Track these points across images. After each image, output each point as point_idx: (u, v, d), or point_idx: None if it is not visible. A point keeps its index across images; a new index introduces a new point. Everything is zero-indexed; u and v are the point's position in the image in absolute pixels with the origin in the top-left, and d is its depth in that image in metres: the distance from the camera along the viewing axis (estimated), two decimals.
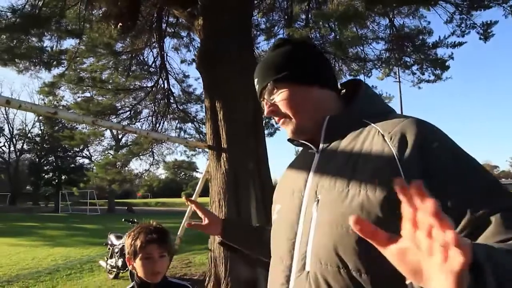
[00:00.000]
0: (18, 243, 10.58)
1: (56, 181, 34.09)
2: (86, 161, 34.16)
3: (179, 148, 13.24)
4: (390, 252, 0.48)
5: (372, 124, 0.81)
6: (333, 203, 0.75)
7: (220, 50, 4.48)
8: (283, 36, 8.02)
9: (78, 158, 34.91)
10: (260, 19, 8.02)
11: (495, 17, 6.31)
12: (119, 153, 12.85)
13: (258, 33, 8.15)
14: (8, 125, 37.49)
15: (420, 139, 0.71)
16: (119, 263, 5.83)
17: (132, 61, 8.79)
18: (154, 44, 8.37)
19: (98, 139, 13.23)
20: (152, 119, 9.33)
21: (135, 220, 5.82)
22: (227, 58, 4.43)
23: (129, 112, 9.54)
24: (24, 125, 40.34)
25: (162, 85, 8.88)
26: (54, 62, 7.64)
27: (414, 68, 7.59)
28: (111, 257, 6.16)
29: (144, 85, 9.32)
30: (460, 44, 6.59)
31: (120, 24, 6.00)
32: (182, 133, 10.32)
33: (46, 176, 35.83)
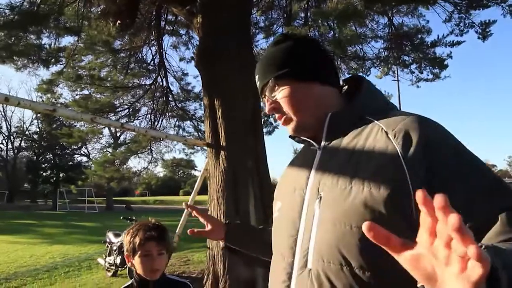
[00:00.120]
0: (16, 241, 10.57)
1: (54, 179, 34.05)
2: (84, 159, 34.17)
3: (178, 146, 13.22)
4: (404, 258, 0.48)
5: (375, 121, 0.81)
6: (335, 201, 0.75)
7: (219, 48, 4.48)
8: None
9: (76, 156, 34.91)
10: (259, 17, 8.00)
11: (494, 17, 6.33)
12: (117, 151, 12.83)
13: (257, 31, 8.14)
14: (5, 123, 37.39)
15: (424, 137, 0.71)
16: (118, 260, 5.84)
17: (131, 59, 8.76)
18: (152, 42, 8.35)
19: (96, 137, 13.21)
20: (150, 117, 9.32)
21: (134, 218, 5.83)
22: (226, 56, 4.43)
23: (127, 110, 9.52)
24: (22, 123, 40.17)
25: (161, 83, 8.87)
26: (53, 60, 7.62)
27: (413, 67, 7.60)
28: (109, 255, 6.17)
29: (143, 83, 9.31)
30: (459, 43, 6.61)
31: (118, 21, 5.98)
32: (180, 131, 10.32)
33: (44, 173, 35.79)
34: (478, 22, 6.32)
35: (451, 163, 0.69)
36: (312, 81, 0.89)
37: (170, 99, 9.24)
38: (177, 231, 4.61)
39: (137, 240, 1.47)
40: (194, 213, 1.23)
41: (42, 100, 13.15)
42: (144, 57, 8.96)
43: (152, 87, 8.98)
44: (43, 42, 7.21)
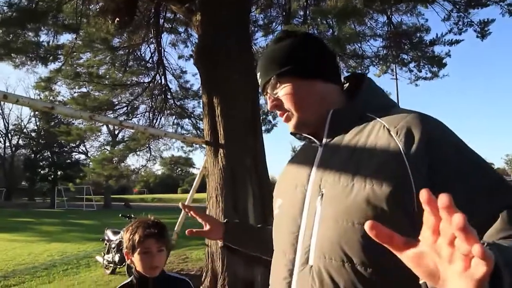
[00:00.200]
0: (14, 239, 10.56)
1: (52, 176, 33.97)
2: (82, 156, 34.08)
3: (176, 144, 13.20)
4: (406, 256, 0.49)
5: (377, 118, 0.81)
6: (337, 198, 0.75)
7: (218, 46, 4.47)
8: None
9: (74, 153, 34.82)
10: (258, 15, 7.99)
11: (492, 15, 6.34)
12: (115, 148, 12.81)
13: (256, 29, 8.13)
14: (3, 120, 37.37)
15: (426, 134, 0.71)
16: (116, 258, 5.84)
17: (129, 57, 8.74)
18: (151, 40, 8.33)
19: (94, 135, 13.18)
20: (149, 114, 9.31)
21: (132, 216, 5.83)
22: (225, 54, 4.42)
23: (126, 108, 9.50)
24: (20, 121, 40.09)
25: (159, 81, 8.85)
26: (51, 57, 7.60)
27: (411, 65, 7.61)
28: (108, 253, 6.17)
29: (141, 81, 9.28)
30: (457, 41, 6.62)
31: (117, 19, 5.97)
32: (179, 129, 10.30)
33: (41, 171, 35.70)
34: (476, 21, 6.33)
35: (453, 161, 0.69)
36: (314, 78, 0.89)
37: (168, 97, 9.22)
38: (175, 228, 4.62)
39: (137, 237, 1.47)
40: (191, 213, 1.21)
41: (40, 98, 13.10)
42: (143, 54, 8.95)
43: (150, 85, 8.96)
44: (41, 40, 7.19)
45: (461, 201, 0.63)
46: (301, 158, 0.96)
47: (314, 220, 0.78)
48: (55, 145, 32.18)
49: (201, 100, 7.39)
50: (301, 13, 7.39)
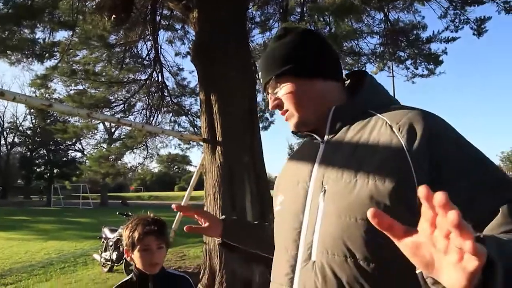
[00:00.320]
0: (11, 237, 10.52)
1: (48, 174, 33.83)
2: (78, 154, 33.96)
3: (173, 141, 13.20)
4: (404, 244, 0.50)
5: (378, 115, 0.81)
6: (340, 193, 0.75)
7: (215, 43, 4.46)
8: (278, 30, 7.99)
9: (70, 151, 34.69)
10: (255, 12, 7.97)
11: (489, 13, 6.35)
12: (112, 146, 12.77)
13: (253, 26, 8.11)
14: None
15: (428, 131, 0.72)
16: (114, 256, 5.84)
17: (126, 54, 8.70)
18: (148, 37, 8.29)
19: (91, 133, 13.12)
20: (146, 112, 9.28)
21: (130, 214, 5.83)
22: (222, 51, 4.42)
23: (122, 105, 9.46)
24: (15, 118, 39.86)
25: (156, 78, 8.82)
26: (47, 54, 7.54)
27: (408, 62, 7.64)
28: (105, 251, 6.16)
29: (138, 78, 9.25)
30: (454, 39, 6.64)
31: (113, 16, 5.94)
32: (176, 126, 10.28)
33: (37, 169, 35.54)
34: (473, 19, 6.36)
35: (454, 157, 0.70)
36: (313, 77, 0.89)
37: (165, 94, 9.20)
38: (173, 226, 4.62)
39: (136, 234, 1.46)
40: (188, 214, 1.17)
41: (36, 96, 13.01)
42: (140, 52, 8.90)
43: (147, 82, 8.92)
44: (37, 37, 7.14)
45: (463, 198, 0.64)
46: (302, 154, 0.96)
47: (316, 216, 0.78)
48: (51, 143, 32.02)
49: (198, 98, 7.37)
50: (298, 10, 7.38)
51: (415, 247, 0.49)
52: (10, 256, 7.74)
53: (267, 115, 9.48)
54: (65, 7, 6.42)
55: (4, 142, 37.12)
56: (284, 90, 0.90)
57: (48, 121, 29.14)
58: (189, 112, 10.06)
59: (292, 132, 0.95)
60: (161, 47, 8.59)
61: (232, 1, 4.64)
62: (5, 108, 37.14)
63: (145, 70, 9.06)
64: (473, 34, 6.45)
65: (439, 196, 0.43)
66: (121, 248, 5.80)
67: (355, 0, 5.27)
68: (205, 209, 4.46)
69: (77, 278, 5.77)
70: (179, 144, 12.63)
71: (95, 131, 14.50)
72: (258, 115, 6.31)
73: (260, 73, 0.97)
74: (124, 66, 8.76)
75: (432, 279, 0.50)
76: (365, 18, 6.93)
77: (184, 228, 1.14)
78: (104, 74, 8.97)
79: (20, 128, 36.18)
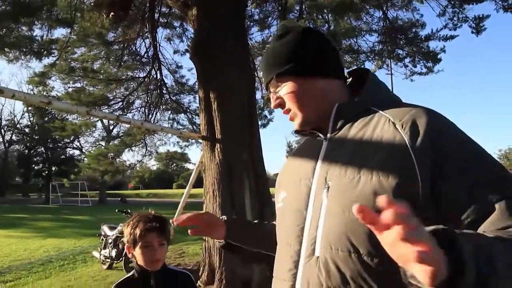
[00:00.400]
0: (9, 235, 10.51)
1: (46, 172, 33.80)
2: (77, 152, 33.92)
3: (172, 139, 13.21)
4: (384, 240, 0.52)
5: (381, 112, 0.82)
6: (344, 190, 0.76)
7: (214, 41, 4.47)
8: (277, 27, 8.01)
9: (68, 149, 34.65)
10: (254, 10, 7.97)
11: (487, 11, 6.38)
12: (111, 144, 12.77)
13: (252, 24, 8.11)
14: None
15: (431, 128, 0.72)
16: (113, 253, 5.86)
17: (124, 51, 8.69)
18: (146, 34, 8.28)
19: (89, 130, 13.12)
20: (144, 110, 9.28)
21: (129, 211, 5.84)
22: (221, 48, 4.42)
23: (121, 103, 9.45)
24: (13, 116, 39.67)
25: (155, 76, 8.81)
26: (45, 52, 7.53)
27: (407, 60, 7.66)
28: (104, 248, 6.17)
29: (137, 76, 9.24)
30: (452, 37, 6.67)
31: (112, 13, 5.92)
32: (175, 124, 10.30)
33: (36, 167, 35.50)
34: (472, 17, 6.38)
35: (456, 155, 0.71)
36: (314, 76, 0.90)
37: (164, 92, 9.20)
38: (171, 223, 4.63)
39: (138, 231, 1.47)
40: (191, 223, 1.10)
41: (34, 93, 12.99)
42: (138, 49, 8.89)
43: (146, 79, 8.92)
44: (34, 34, 7.12)
45: (464, 194, 0.66)
46: (304, 152, 0.97)
47: (320, 212, 0.79)
48: (49, 140, 31.99)
49: (197, 95, 7.37)
50: (297, 7, 7.38)
51: (393, 243, 0.50)
52: (9, 254, 7.74)
53: (266, 112, 9.51)
54: (63, 5, 6.41)
55: (2, 140, 37.03)
56: (285, 90, 0.91)
57: (46, 119, 29.12)
58: (188, 110, 10.07)
59: (296, 131, 0.96)
60: (159, 45, 8.58)
61: None
62: (3, 105, 36.93)
63: (143, 67, 9.05)
64: (472, 32, 6.48)
65: (399, 209, 0.48)
66: (120, 246, 5.81)
67: None
68: (204, 206, 4.47)
69: (76, 275, 5.78)
70: (178, 142, 12.66)
71: (94, 129, 14.52)
72: (257, 112, 6.33)
73: (261, 72, 0.98)
74: (122, 63, 8.75)
75: (411, 273, 0.52)
76: (363, 16, 6.94)
77: (189, 231, 1.12)
78: (102, 71, 8.96)
79: (18, 126, 36.11)
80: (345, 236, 0.73)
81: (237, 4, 4.83)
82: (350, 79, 0.98)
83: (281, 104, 0.93)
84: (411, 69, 7.78)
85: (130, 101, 9.79)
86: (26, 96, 3.13)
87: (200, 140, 5.13)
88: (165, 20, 8.49)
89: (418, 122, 0.74)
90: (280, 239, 0.93)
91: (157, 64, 8.62)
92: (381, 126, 0.79)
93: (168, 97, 9.43)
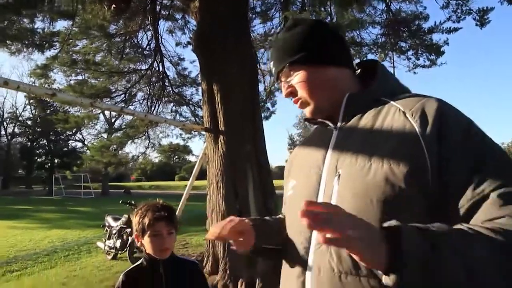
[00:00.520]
0: (14, 226, 10.63)
1: (49, 164, 33.92)
2: (79, 144, 33.99)
3: (175, 131, 13.22)
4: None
5: (392, 102, 0.84)
6: (355, 177, 0.78)
7: (216, 32, 4.46)
8: (279, 19, 7.97)
9: (70, 141, 34.71)
10: (256, 2, 7.93)
11: (491, 4, 6.33)
12: (114, 136, 12.80)
13: (254, 16, 8.06)
14: None
15: (440, 117, 0.74)
16: (118, 244, 5.94)
17: (126, 44, 8.66)
18: (148, 27, 8.25)
19: (92, 123, 13.14)
20: (147, 102, 9.29)
21: (133, 202, 5.90)
22: (224, 40, 4.42)
23: (123, 95, 9.46)
24: (15, 109, 39.76)
25: (157, 68, 8.80)
26: (46, 44, 7.52)
27: (410, 53, 7.60)
28: (109, 238, 6.25)
29: (139, 68, 9.23)
30: (456, 29, 6.61)
31: (113, 5, 5.91)
32: (177, 116, 10.29)
33: (38, 159, 35.63)
34: (475, 9, 6.32)
35: (463, 144, 0.71)
36: (326, 64, 0.91)
37: (166, 84, 9.19)
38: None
39: (147, 220, 1.50)
40: (225, 238, 0.94)
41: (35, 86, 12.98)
42: (140, 42, 8.86)
43: (148, 72, 8.91)
44: (36, 26, 7.11)
45: (468, 184, 0.68)
46: (314, 141, 0.99)
47: (331, 199, 0.80)
48: (51, 133, 32.04)
49: (199, 88, 7.36)
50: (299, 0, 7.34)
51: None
52: (14, 244, 7.85)
53: (268, 105, 9.50)
54: None
55: (4, 133, 37.15)
56: (297, 78, 0.92)
57: (48, 111, 29.15)
58: (190, 102, 10.07)
59: (306, 119, 0.97)
60: (161, 37, 8.56)
61: None
62: (5, 98, 37.04)
63: (145, 60, 9.03)
64: (476, 24, 6.42)
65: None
66: (124, 236, 5.89)
67: None
68: (208, 198, 4.51)
69: (81, 265, 5.87)
70: (180, 134, 12.67)
71: (96, 121, 14.53)
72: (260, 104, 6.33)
73: (272, 62, 0.98)
74: (124, 56, 8.73)
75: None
76: (366, 8, 6.89)
77: (231, 247, 0.98)
78: (104, 64, 8.94)
79: (20, 118, 36.17)
80: None
81: None
82: (359, 70, 1.00)
83: (293, 93, 0.95)
84: (414, 61, 7.72)
85: (132, 94, 9.78)
86: (31, 88, 3.16)
87: (203, 132, 5.15)
88: (167, 12, 8.45)
89: (428, 111, 0.76)
90: (290, 226, 0.94)
91: (159, 57, 8.60)
92: (391, 116, 0.81)
93: (170, 89, 9.42)
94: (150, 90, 9.30)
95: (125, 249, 5.81)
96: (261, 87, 7.67)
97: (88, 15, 6.97)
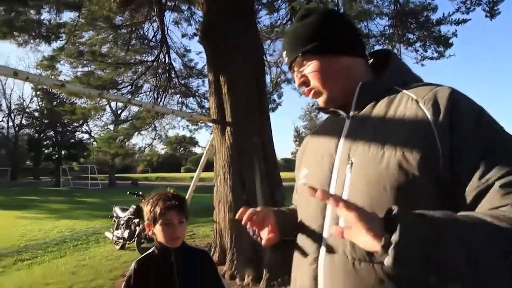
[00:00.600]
0: (23, 216, 10.80)
1: (56, 156, 34.26)
2: (86, 136, 34.25)
3: (181, 123, 13.31)
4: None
5: (404, 91, 0.84)
6: (368, 164, 0.78)
7: (223, 23, 4.45)
8: (286, 10, 7.90)
9: (77, 133, 34.99)
10: None
11: None
12: (120, 127, 12.89)
13: (260, 7, 8.01)
14: (5, 100, 37.34)
15: (452, 105, 0.74)
16: (126, 234, 6.01)
17: (132, 35, 8.66)
18: (154, 18, 8.24)
19: (98, 114, 13.23)
20: (153, 93, 9.32)
21: (141, 193, 5.96)
22: (230, 31, 4.40)
23: (130, 87, 9.49)
24: (22, 100, 40.03)
25: (163, 60, 8.81)
26: (53, 36, 7.54)
27: (417, 45, 7.50)
28: (117, 229, 6.33)
29: (145, 60, 9.24)
30: (465, 21, 6.50)
31: None
32: (184, 108, 10.33)
33: (46, 151, 35.99)
34: (485, 0, 6.21)
35: (474, 133, 0.72)
36: (339, 53, 0.92)
37: (172, 75, 9.20)
38: None
39: (158, 209, 1.52)
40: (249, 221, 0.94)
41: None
42: (146, 33, 8.85)
43: (154, 63, 8.92)
44: (42, 18, 7.13)
45: (478, 173, 0.68)
46: (326, 130, 0.99)
47: (344, 186, 0.81)
48: (58, 124, 32.30)
49: (205, 79, 7.36)
50: None
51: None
52: (24, 234, 7.99)
53: (275, 96, 9.48)
54: None
55: (12, 124, 37.52)
56: (310, 68, 0.92)
57: (55, 103, 29.35)
58: (197, 94, 10.08)
59: (318, 108, 0.98)
60: (167, 28, 8.54)
61: None
62: (12, 90, 37.33)
63: (151, 51, 9.03)
64: (486, 16, 6.31)
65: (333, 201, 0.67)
66: (132, 227, 5.96)
67: None
68: (215, 189, 4.54)
69: (90, 255, 5.96)
70: (187, 126, 12.73)
71: (103, 113, 14.62)
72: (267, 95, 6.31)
73: (284, 53, 0.99)
74: (130, 47, 8.74)
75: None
76: None
77: (262, 244, 0.96)
78: (110, 55, 8.96)
79: (27, 110, 36.45)
80: (370, 208, 0.73)
81: None
82: (371, 60, 1.00)
83: (306, 82, 0.95)
84: (422, 53, 7.63)
85: (139, 85, 9.82)
86: (40, 79, 3.18)
87: (210, 124, 5.16)
88: (173, 4, 8.41)
89: (440, 100, 0.76)
90: (302, 214, 0.95)
91: (165, 48, 8.60)
92: (404, 104, 0.81)
93: (176, 81, 9.44)
94: (157, 82, 9.32)
95: (133, 239, 5.88)
96: (267, 79, 7.66)
97: (94, 6, 6.98)
